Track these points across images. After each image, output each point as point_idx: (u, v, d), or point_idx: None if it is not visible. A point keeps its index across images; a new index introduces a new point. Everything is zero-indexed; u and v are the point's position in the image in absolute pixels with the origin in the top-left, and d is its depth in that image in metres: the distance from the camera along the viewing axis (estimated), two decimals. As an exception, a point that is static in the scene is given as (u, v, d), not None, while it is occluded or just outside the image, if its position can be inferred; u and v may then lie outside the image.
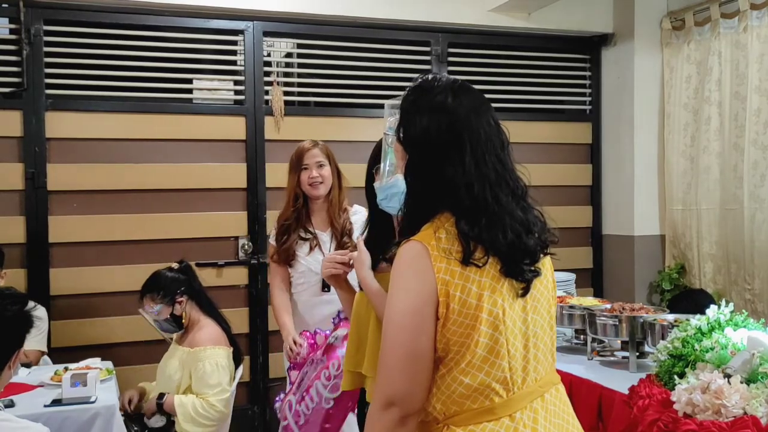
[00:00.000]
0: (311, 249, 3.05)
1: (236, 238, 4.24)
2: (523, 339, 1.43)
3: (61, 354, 3.73)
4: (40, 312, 3.41)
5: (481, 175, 1.41)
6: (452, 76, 1.56)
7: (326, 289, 2.99)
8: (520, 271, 1.41)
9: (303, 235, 3.06)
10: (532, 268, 1.44)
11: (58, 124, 3.91)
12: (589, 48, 4.97)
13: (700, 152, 4.40)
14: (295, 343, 2.92)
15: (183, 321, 3.13)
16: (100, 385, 2.75)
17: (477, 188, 1.40)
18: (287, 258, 3.06)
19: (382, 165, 1.66)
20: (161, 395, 2.92)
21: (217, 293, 3.79)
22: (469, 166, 1.40)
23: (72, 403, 2.58)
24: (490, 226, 1.39)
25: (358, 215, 3.13)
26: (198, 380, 2.92)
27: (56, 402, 2.60)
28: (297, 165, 3.08)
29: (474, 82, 1.56)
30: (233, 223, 4.23)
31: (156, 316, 3.08)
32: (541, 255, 1.48)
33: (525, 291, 1.43)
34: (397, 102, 1.52)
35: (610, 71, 4.94)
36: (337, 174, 3.14)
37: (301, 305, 3.12)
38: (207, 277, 3.94)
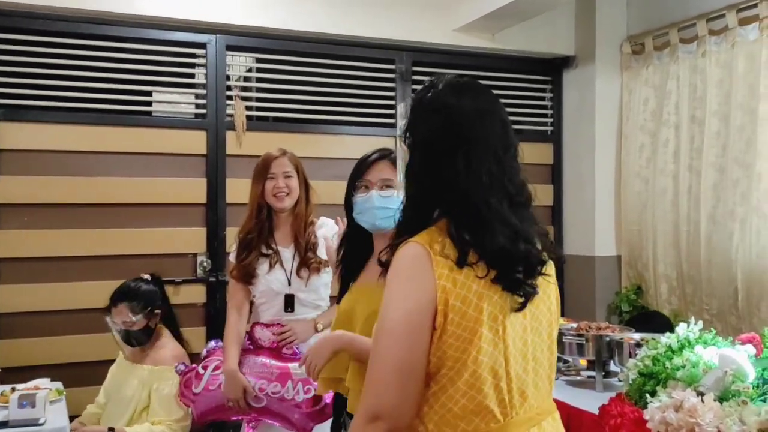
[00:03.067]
0: (271, 266, 2.83)
1: (195, 254, 4.12)
2: (523, 361, 1.37)
3: (9, 374, 3.54)
4: None
5: (473, 178, 1.35)
6: (461, 75, 1.51)
7: (289, 309, 2.84)
8: (515, 282, 1.35)
9: (264, 251, 2.86)
10: (529, 282, 1.37)
11: (10, 135, 3.76)
12: (551, 70, 5.02)
13: (657, 174, 4.46)
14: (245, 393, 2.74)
15: (153, 334, 3.04)
16: (50, 406, 2.62)
17: (470, 191, 1.35)
18: (247, 276, 2.85)
19: (398, 172, 1.63)
20: (111, 429, 2.79)
21: (174, 311, 3.71)
22: (462, 168, 1.35)
23: (19, 425, 2.45)
24: (479, 230, 1.33)
25: (324, 228, 2.94)
26: (159, 402, 2.81)
27: (2, 424, 2.46)
28: (262, 173, 2.87)
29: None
30: (192, 239, 4.12)
31: (130, 326, 2.96)
32: (539, 269, 1.41)
33: (522, 306, 1.36)
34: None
35: (572, 93, 4.99)
36: (305, 187, 2.94)
37: None
38: (163, 295, 3.84)
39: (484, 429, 1.32)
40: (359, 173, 2.10)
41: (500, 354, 1.32)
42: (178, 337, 3.11)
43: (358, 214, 2.07)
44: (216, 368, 2.81)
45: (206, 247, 4.13)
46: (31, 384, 2.88)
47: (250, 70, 4.35)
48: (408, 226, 1.40)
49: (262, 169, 2.88)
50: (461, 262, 1.31)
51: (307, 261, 2.84)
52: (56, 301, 3.82)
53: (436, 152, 1.38)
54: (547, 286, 1.46)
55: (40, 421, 2.49)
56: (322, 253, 2.86)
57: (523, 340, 1.37)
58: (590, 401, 2.60)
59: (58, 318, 3.82)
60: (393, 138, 4.50)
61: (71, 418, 3.21)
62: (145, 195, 4.01)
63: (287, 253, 2.88)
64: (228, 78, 4.20)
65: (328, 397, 2.62)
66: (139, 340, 3.00)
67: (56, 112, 3.87)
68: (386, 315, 1.32)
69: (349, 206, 2.11)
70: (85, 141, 3.91)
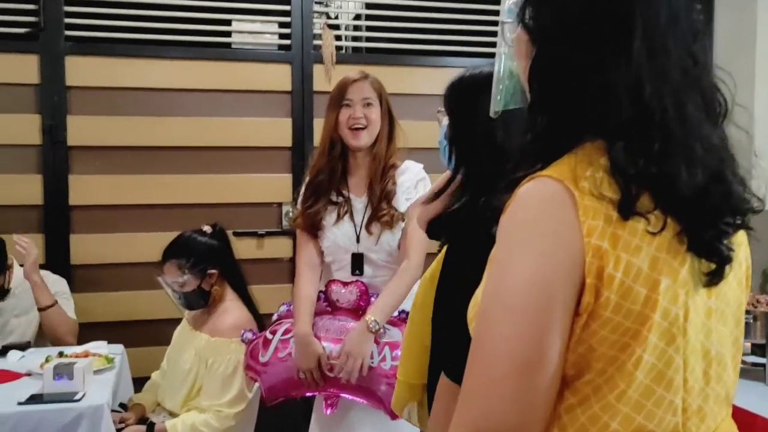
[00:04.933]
0: (339, 217, 2.32)
1: (279, 204, 3.70)
2: (704, 362, 0.88)
3: (81, 332, 3.30)
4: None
5: (659, 72, 0.83)
6: None
7: (358, 271, 2.32)
8: (713, 240, 0.84)
9: (333, 198, 2.34)
10: (727, 242, 0.86)
11: (80, 71, 3.43)
12: (699, -12, 4.22)
13: (839, 111, 3.62)
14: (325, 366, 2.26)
15: (210, 298, 2.63)
16: (93, 377, 2.25)
17: (649, 91, 0.82)
18: (313, 225, 2.35)
19: (494, 83, 1.06)
20: (151, 424, 2.40)
21: (258, 266, 3.37)
22: (639, 56, 0.83)
23: (54, 400, 2.09)
24: (668, 156, 0.81)
25: (406, 174, 2.37)
26: (212, 380, 2.40)
27: (35, 398, 2.11)
28: (337, 100, 2.32)
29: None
30: (276, 186, 3.69)
31: (179, 287, 2.57)
32: (741, 221, 0.89)
33: (715, 277, 0.86)
34: None
35: (725, 14, 4.20)
36: (389, 120, 2.36)
37: None
38: (246, 249, 3.47)
39: None
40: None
41: (678, 354, 0.84)
42: (248, 302, 2.68)
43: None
44: (286, 332, 2.32)
45: (292, 195, 3.68)
46: (80, 349, 2.54)
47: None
48: (536, 151, 0.88)
49: (337, 95, 2.33)
50: (627, 210, 0.81)
51: (379, 212, 2.29)
52: (133, 252, 3.50)
53: (589, 35, 0.86)
54: (738, 247, 0.93)
55: (76, 397, 2.11)
56: (400, 203, 2.32)
57: (706, 330, 0.88)
58: (759, 400, 2.04)
59: (135, 271, 3.49)
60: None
61: (142, 381, 2.90)
62: (224, 137, 3.61)
63: (359, 203, 2.35)
64: (315, 4, 3.70)
65: None
66: (196, 303, 2.60)
67: (128, 45, 3.51)
68: (500, 285, 0.83)
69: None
70: (160, 77, 3.54)
